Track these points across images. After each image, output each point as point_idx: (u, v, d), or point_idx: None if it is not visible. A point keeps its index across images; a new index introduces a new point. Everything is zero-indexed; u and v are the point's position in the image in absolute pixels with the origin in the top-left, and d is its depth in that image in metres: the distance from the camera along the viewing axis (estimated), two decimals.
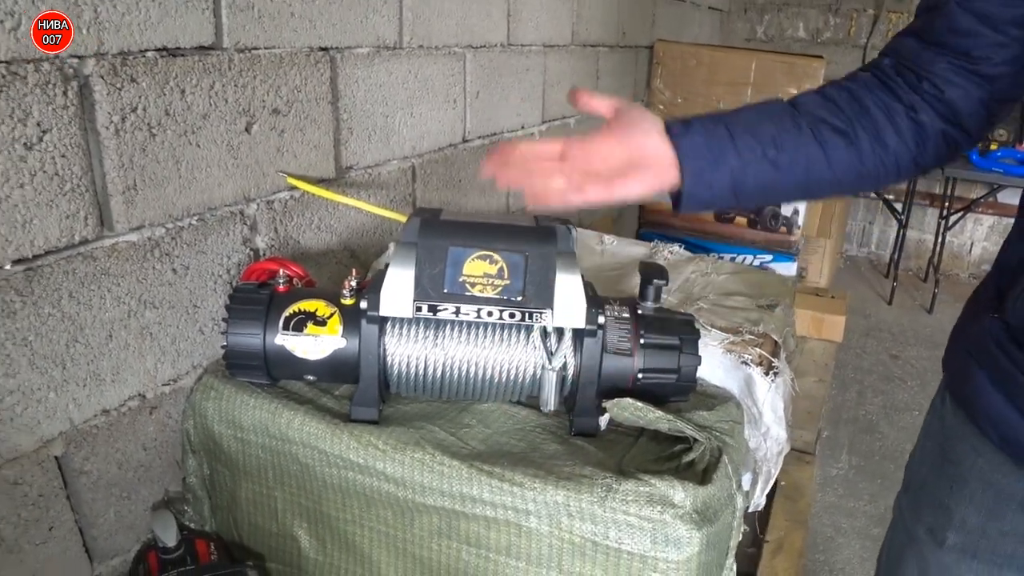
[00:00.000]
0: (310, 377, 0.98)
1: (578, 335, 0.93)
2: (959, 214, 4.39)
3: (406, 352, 0.93)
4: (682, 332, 0.97)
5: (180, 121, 1.01)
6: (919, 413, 2.54)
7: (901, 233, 4.39)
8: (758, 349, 1.13)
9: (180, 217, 1.04)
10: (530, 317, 0.91)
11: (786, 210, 3.06)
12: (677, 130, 0.81)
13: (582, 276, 0.92)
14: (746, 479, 1.14)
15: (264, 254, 1.18)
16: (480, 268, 0.89)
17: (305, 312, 0.94)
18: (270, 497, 1.01)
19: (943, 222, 4.34)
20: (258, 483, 1.01)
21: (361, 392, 0.94)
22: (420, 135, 1.54)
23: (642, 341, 0.94)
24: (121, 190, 0.95)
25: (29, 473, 0.92)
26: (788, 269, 3.02)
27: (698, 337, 0.97)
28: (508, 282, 0.89)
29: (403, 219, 1.10)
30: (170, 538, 0.98)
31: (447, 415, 0.98)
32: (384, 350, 0.93)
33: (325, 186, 1.25)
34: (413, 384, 0.96)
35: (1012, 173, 3.78)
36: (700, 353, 0.97)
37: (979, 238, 4.82)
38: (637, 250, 1.54)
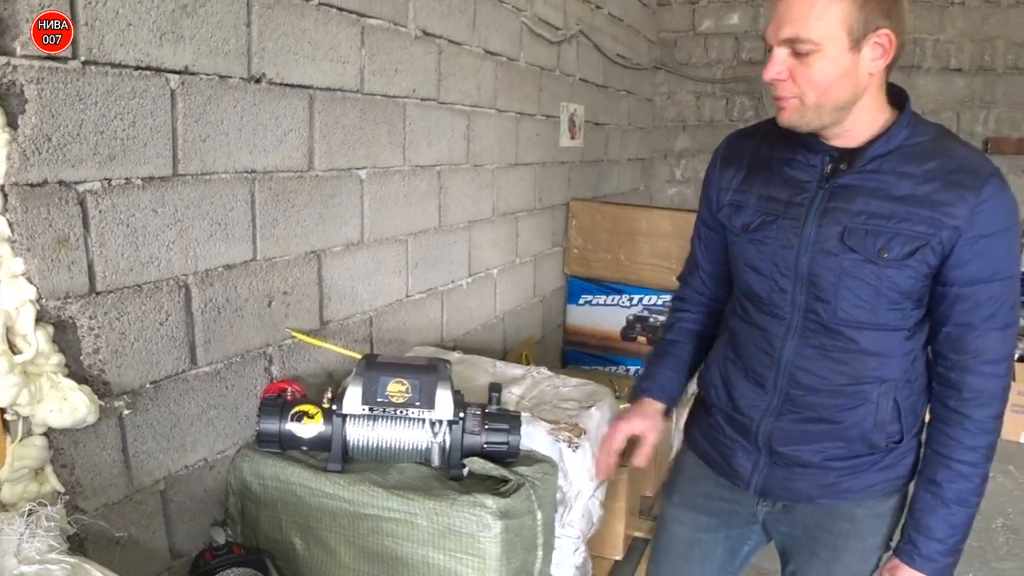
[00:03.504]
0: (304, 448, 1.76)
1: (450, 423, 1.72)
2: None
3: (357, 433, 1.72)
4: (511, 422, 1.75)
5: (234, 303, 1.81)
6: None
7: None
8: (568, 433, 1.91)
9: (232, 357, 1.82)
10: (423, 413, 1.70)
11: None
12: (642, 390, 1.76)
13: (452, 390, 1.72)
14: (564, 509, 1.91)
15: (275, 377, 1.97)
16: (396, 388, 1.68)
17: (303, 411, 1.72)
18: (278, 519, 1.76)
19: None
20: (272, 510, 1.76)
21: (332, 455, 1.71)
22: (375, 295, 2.35)
23: (487, 426, 1.73)
24: (202, 343, 1.74)
25: (146, 500, 1.66)
26: None
27: (520, 425, 1.76)
28: (411, 395, 1.69)
29: (358, 356, 1.90)
30: (221, 540, 1.72)
31: (380, 468, 1.75)
32: (345, 432, 1.71)
33: (313, 335, 2.05)
34: (361, 451, 1.74)
35: None
36: (524, 434, 1.76)
37: None
38: (516, 371, 2.33)
